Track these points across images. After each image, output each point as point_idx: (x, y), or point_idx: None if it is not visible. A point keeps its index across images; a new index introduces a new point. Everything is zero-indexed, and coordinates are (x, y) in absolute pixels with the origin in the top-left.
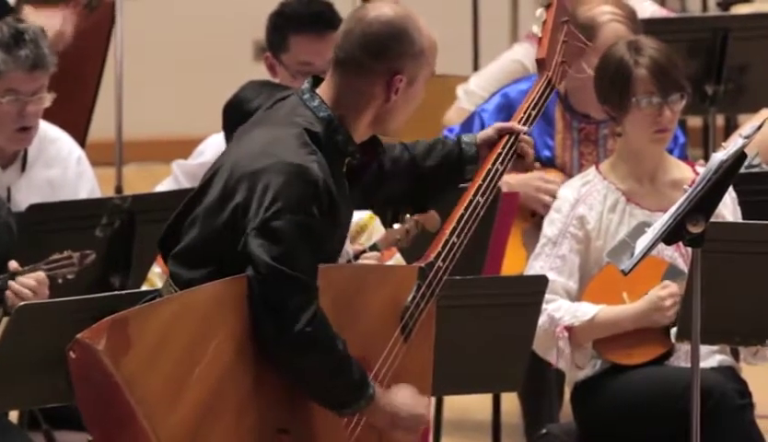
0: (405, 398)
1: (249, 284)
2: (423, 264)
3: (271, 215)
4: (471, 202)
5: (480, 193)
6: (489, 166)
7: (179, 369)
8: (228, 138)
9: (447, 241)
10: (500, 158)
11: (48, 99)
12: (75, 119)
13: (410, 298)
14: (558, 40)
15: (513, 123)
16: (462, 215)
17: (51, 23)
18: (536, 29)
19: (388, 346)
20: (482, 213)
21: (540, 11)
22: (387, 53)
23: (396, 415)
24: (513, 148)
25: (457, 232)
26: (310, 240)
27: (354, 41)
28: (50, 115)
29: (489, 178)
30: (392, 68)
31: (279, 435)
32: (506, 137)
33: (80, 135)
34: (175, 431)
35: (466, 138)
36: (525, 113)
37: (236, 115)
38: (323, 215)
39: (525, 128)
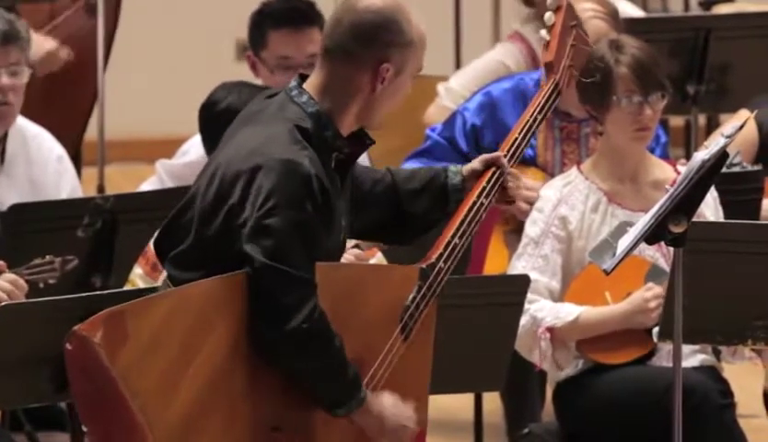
0: (393, 406)
1: (247, 281)
2: (424, 265)
3: (264, 212)
4: (474, 203)
5: (484, 195)
6: (493, 170)
7: (174, 363)
8: (204, 140)
9: (449, 242)
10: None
11: (26, 75)
12: (72, 120)
13: (410, 298)
14: (566, 43)
15: (497, 155)
16: (466, 217)
17: (44, 45)
18: (544, 33)
19: (387, 346)
20: (484, 215)
21: (548, 14)
22: (375, 42)
23: (384, 422)
24: (520, 150)
25: (459, 233)
26: (305, 237)
27: (343, 30)
28: (47, 116)
29: (493, 180)
30: (380, 57)
31: (272, 432)
32: (513, 139)
33: (76, 137)
34: (170, 424)
35: (452, 168)
36: (531, 117)
37: (208, 117)
38: (317, 211)
39: (505, 162)
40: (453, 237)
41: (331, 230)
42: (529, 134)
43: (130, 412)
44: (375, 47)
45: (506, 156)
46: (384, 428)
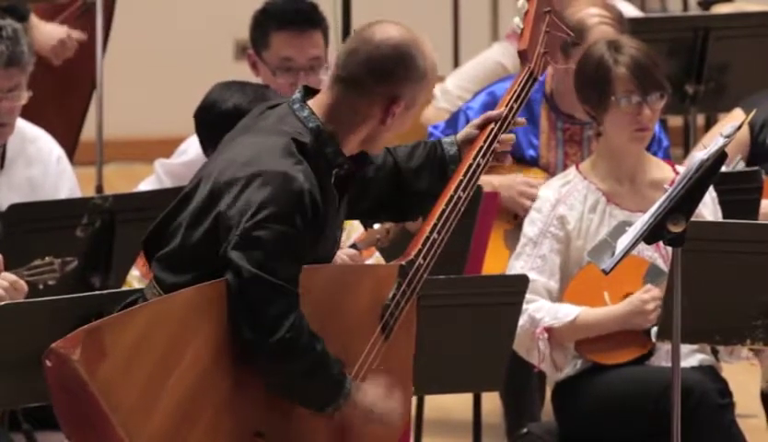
0: (378, 393)
1: (228, 290)
2: (403, 262)
3: (254, 223)
4: (451, 197)
5: (461, 189)
6: (470, 161)
7: (155, 376)
8: (202, 142)
9: (427, 238)
10: (481, 152)
11: (25, 97)
12: (67, 120)
13: (390, 296)
14: (540, 30)
15: (490, 113)
16: (443, 212)
17: (55, 33)
18: (518, 21)
19: (368, 345)
20: (462, 209)
21: (521, 2)
22: (391, 78)
23: (370, 410)
24: (494, 141)
25: (437, 228)
26: (292, 250)
27: (358, 62)
28: (41, 117)
29: (470, 173)
30: (393, 92)
31: (255, 438)
32: (487, 130)
33: (71, 139)
34: (151, 437)
35: (446, 139)
36: (507, 105)
37: (207, 118)
38: (306, 226)
39: (503, 110)
40: (431, 232)
41: (320, 244)
42: (505, 124)
43: (111, 426)
44: (389, 83)
45: (493, 128)
46: (371, 417)
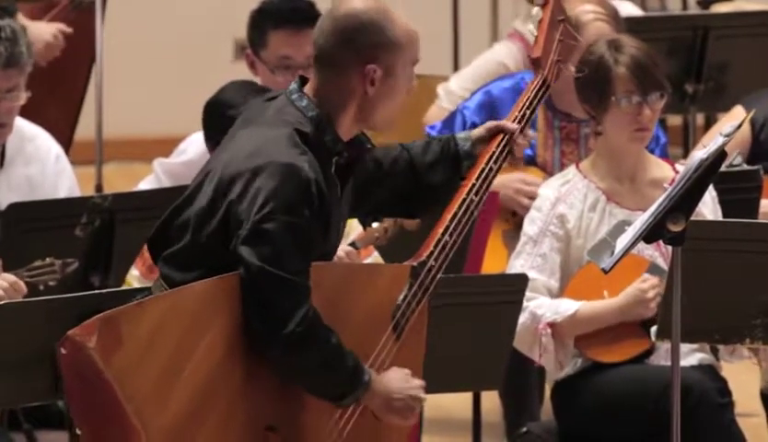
0: (399, 381)
1: (241, 284)
2: (415, 263)
3: (262, 216)
4: (464, 200)
5: (473, 192)
6: (483, 165)
7: (169, 367)
8: (208, 138)
9: (439, 240)
10: (494, 157)
11: (23, 98)
12: (62, 117)
13: (401, 297)
14: (554, 38)
15: (505, 122)
16: (456, 214)
17: (43, 34)
18: (531, 28)
19: (379, 345)
20: (475, 212)
21: (536, 10)
22: (355, 44)
23: (391, 399)
24: (507, 147)
25: (450, 231)
26: (301, 242)
27: (326, 37)
28: (37, 113)
29: (483, 176)
30: (364, 59)
31: (267, 432)
32: (501, 135)
33: (67, 134)
34: (165, 427)
35: (460, 135)
36: (520, 112)
37: (215, 116)
38: (314, 216)
39: (517, 127)
40: (443, 234)
41: (327, 234)
42: (518, 132)
43: (125, 415)
44: (356, 50)
45: (505, 135)
46: (391, 405)
